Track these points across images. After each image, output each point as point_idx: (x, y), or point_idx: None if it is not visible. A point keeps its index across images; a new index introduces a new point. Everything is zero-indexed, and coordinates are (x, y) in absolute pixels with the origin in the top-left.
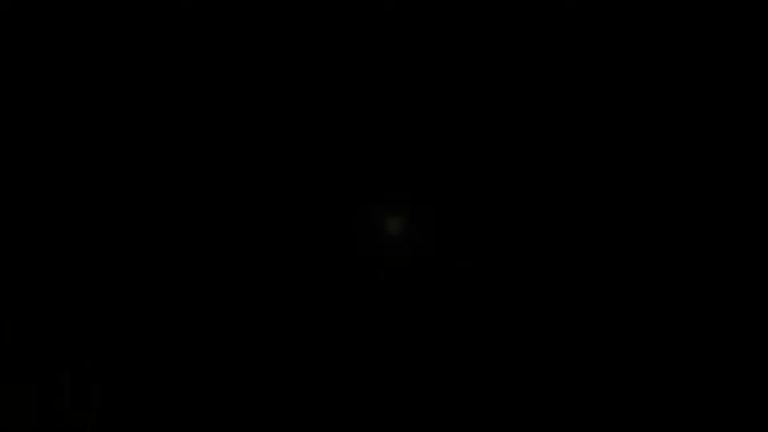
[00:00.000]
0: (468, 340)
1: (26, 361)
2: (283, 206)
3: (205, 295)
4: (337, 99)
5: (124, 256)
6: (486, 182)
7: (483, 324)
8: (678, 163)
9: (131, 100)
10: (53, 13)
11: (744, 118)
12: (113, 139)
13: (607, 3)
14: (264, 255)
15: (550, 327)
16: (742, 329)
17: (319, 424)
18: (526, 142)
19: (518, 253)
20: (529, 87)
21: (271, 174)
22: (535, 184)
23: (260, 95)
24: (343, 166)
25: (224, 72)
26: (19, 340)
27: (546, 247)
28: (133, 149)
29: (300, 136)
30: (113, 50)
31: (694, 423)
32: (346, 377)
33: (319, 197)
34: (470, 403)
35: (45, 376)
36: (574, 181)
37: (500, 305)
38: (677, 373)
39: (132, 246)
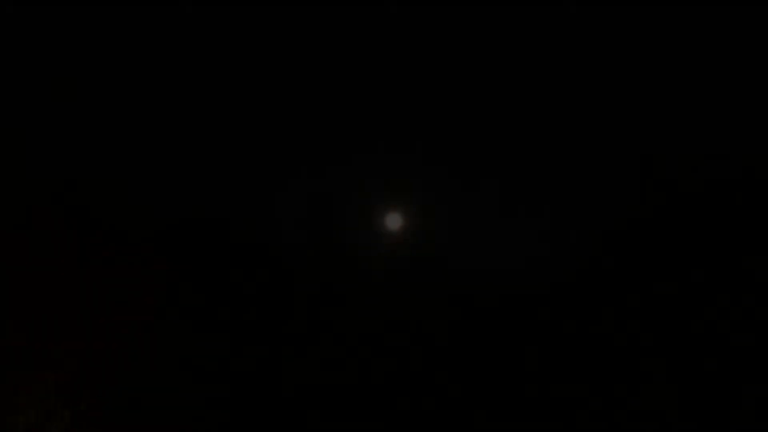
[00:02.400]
0: (467, 340)
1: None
2: (280, 205)
3: (200, 294)
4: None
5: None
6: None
7: (482, 324)
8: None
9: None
10: None
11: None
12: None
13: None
14: (263, 254)
15: (550, 327)
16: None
17: (317, 422)
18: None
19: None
20: (530, 88)
21: (270, 171)
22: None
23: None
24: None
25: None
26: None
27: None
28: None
29: (299, 134)
30: None
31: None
32: (343, 376)
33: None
34: (469, 402)
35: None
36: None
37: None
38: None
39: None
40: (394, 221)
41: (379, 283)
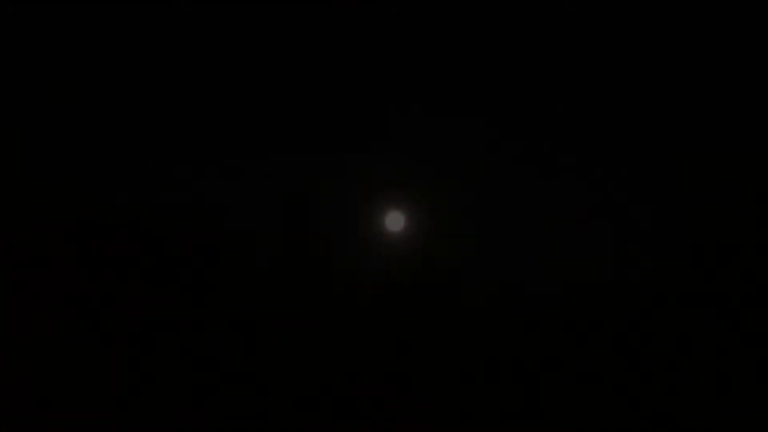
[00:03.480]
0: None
1: None
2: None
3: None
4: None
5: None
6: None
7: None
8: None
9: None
10: None
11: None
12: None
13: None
14: (262, 255)
15: (550, 326)
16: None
17: (315, 422)
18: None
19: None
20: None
21: (271, 172)
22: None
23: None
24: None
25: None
26: None
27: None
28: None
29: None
30: None
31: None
32: (342, 376)
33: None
34: (466, 401)
35: None
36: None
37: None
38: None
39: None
40: (395, 222)
41: (378, 291)
